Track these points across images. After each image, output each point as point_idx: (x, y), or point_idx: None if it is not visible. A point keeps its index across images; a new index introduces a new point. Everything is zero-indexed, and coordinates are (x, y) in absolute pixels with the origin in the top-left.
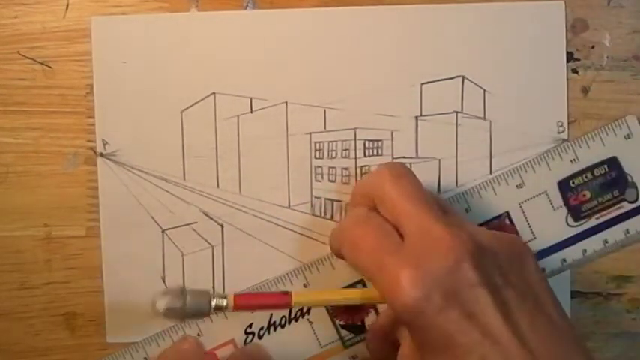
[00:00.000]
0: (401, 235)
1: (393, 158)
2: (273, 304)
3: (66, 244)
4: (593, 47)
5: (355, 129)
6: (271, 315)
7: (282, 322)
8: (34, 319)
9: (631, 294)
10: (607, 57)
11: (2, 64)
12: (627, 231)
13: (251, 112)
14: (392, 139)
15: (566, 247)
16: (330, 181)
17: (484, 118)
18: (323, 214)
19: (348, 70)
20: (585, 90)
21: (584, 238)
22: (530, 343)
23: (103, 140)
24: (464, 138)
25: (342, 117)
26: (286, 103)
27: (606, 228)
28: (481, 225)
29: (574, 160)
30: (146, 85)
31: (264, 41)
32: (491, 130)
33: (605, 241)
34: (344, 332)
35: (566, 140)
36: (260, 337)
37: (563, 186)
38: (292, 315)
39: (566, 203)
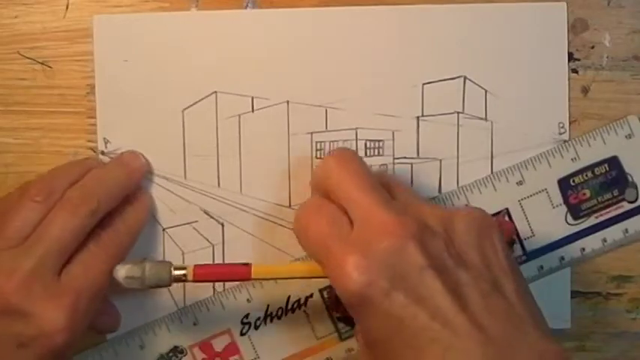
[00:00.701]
0: (351, 222)
1: (394, 158)
2: (234, 276)
3: None
4: (593, 47)
5: (356, 129)
6: (268, 306)
7: (279, 313)
8: None
9: (631, 294)
10: (607, 57)
11: (2, 64)
12: (626, 230)
13: (252, 111)
14: (393, 139)
15: (565, 245)
16: None
17: (485, 119)
18: None
19: (349, 70)
20: (585, 90)
21: (583, 237)
22: (483, 322)
23: (104, 139)
24: (465, 138)
25: (343, 117)
26: (288, 102)
27: (605, 227)
28: None
29: (575, 158)
30: (148, 84)
31: (264, 41)
32: (492, 131)
33: (604, 240)
34: (340, 325)
35: (567, 141)
36: (257, 327)
37: (564, 184)
38: (289, 306)
39: (566, 201)
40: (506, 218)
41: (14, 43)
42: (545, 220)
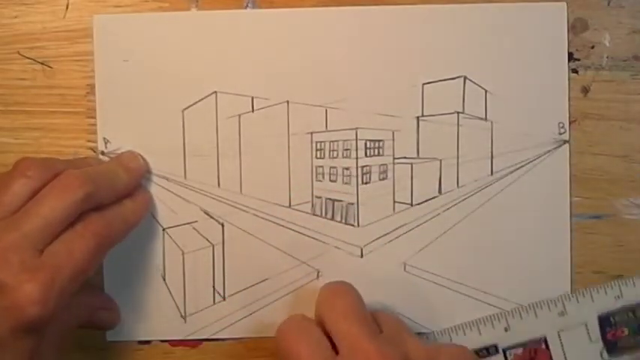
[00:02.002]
0: (336, 350)
1: (394, 158)
2: None
3: None
4: (593, 47)
5: (356, 129)
6: None
7: None
8: None
9: None
10: (607, 57)
11: (2, 64)
12: None
13: (252, 111)
14: (393, 139)
15: None
16: (331, 180)
17: (485, 119)
18: (324, 214)
19: (349, 70)
20: (585, 90)
21: None
22: None
23: (104, 139)
24: (465, 138)
25: (343, 117)
26: (288, 102)
27: None
28: (515, 346)
29: (618, 296)
30: (148, 84)
31: (264, 41)
32: (492, 131)
33: None
34: None
35: (567, 141)
36: None
37: (604, 320)
38: None
39: (603, 337)
40: (543, 346)
41: (14, 43)
42: (580, 352)
